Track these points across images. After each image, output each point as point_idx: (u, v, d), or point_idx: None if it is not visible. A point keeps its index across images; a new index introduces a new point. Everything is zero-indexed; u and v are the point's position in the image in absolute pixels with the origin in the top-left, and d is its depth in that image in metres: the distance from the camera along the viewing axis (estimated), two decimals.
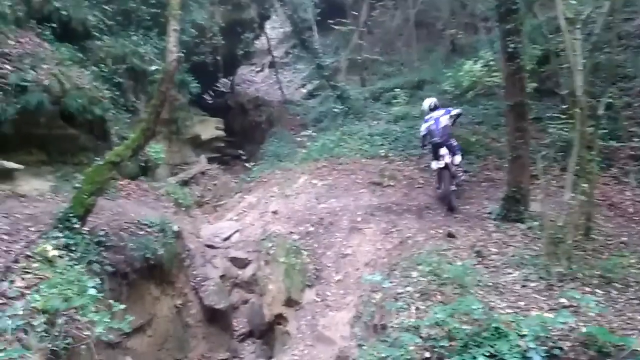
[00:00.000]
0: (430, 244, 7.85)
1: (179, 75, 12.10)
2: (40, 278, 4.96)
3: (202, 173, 14.25)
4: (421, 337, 5.08)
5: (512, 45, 7.98)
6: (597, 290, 5.76)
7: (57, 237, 5.72)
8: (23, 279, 4.90)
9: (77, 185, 6.45)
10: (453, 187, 9.57)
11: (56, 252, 5.43)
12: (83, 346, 4.59)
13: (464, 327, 4.94)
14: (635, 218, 8.29)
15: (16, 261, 5.17)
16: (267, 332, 8.73)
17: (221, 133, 16.59)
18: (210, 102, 19.69)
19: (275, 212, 10.81)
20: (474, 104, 13.20)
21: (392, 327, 5.74)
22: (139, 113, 11.17)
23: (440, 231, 8.42)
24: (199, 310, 8.64)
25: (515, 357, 4.41)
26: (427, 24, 21.02)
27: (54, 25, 9.36)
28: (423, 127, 10.36)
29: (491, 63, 11.77)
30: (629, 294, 5.71)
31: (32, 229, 6.03)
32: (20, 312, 4.29)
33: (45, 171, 8.31)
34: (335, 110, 16.49)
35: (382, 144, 13.08)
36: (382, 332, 6.05)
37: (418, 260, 7.10)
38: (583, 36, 6.88)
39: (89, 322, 4.65)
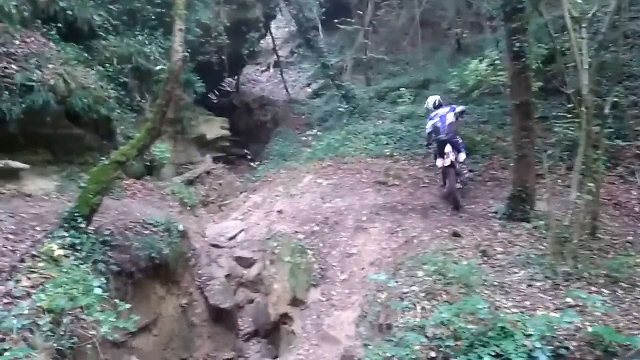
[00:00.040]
0: (436, 243, 7.83)
1: (184, 74, 12.11)
2: (46, 277, 4.97)
3: (207, 172, 14.26)
4: (427, 337, 5.07)
5: (518, 44, 7.95)
6: (603, 290, 5.73)
7: (62, 237, 5.74)
8: (29, 278, 4.92)
9: (82, 184, 6.49)
10: (458, 185, 9.56)
11: (62, 252, 5.44)
12: (88, 345, 4.59)
13: (470, 326, 4.93)
14: None
15: (22, 260, 5.18)
16: (272, 332, 8.73)
17: (226, 132, 16.62)
18: (215, 101, 19.75)
19: (280, 212, 10.81)
20: (480, 103, 13.16)
21: (397, 326, 5.72)
22: (144, 112, 11.19)
23: (446, 230, 8.40)
24: (204, 310, 8.65)
25: (521, 356, 4.40)
26: (432, 23, 20.99)
27: (60, 25, 9.38)
28: (428, 125, 10.35)
29: (497, 62, 11.72)
30: (635, 293, 5.67)
31: (38, 228, 6.05)
32: (26, 312, 4.30)
33: (50, 171, 8.34)
34: (340, 109, 16.48)
35: (387, 143, 13.08)
36: (387, 332, 6.04)
37: (423, 259, 7.08)
38: (589, 35, 6.83)
39: (95, 321, 4.66)
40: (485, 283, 6.12)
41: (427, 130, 10.36)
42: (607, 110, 7.35)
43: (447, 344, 4.87)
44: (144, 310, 6.84)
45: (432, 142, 10.24)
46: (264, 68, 25.61)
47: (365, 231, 9.17)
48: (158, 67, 11.07)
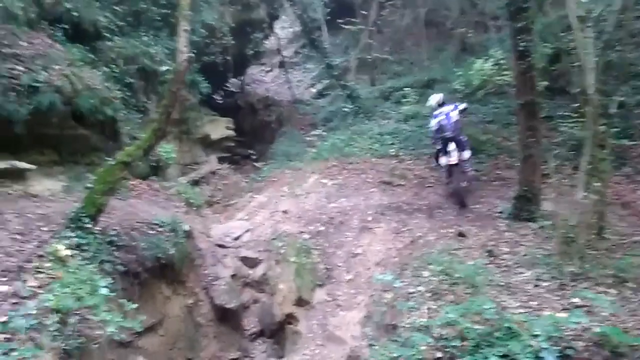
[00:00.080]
0: (442, 244, 7.83)
1: (189, 75, 12.13)
2: (53, 277, 4.98)
3: (213, 173, 14.29)
4: (433, 337, 5.06)
5: (523, 44, 7.94)
6: (611, 290, 5.70)
7: (69, 237, 5.74)
8: (36, 278, 4.93)
9: (88, 185, 6.48)
10: (464, 184, 9.56)
11: (68, 252, 5.44)
12: (95, 345, 4.61)
13: (476, 327, 4.91)
14: None
15: (29, 261, 5.20)
16: (278, 332, 8.72)
17: (231, 133, 16.61)
18: (220, 102, 19.76)
19: (285, 212, 10.81)
20: (485, 102, 13.16)
21: (403, 326, 5.72)
22: (149, 113, 11.21)
23: (451, 230, 8.40)
24: (210, 310, 8.65)
25: (527, 357, 4.38)
26: (436, 23, 20.96)
27: (66, 26, 9.40)
28: (433, 123, 10.35)
29: (502, 62, 11.73)
30: None
31: (45, 228, 6.06)
32: (33, 312, 4.31)
33: (57, 171, 8.35)
34: (345, 109, 16.49)
35: (392, 143, 13.08)
36: (393, 332, 6.03)
37: (429, 259, 7.08)
38: (594, 34, 6.83)
39: (101, 321, 4.66)
40: (492, 283, 6.11)
41: (433, 128, 10.36)
42: (613, 110, 7.35)
43: (454, 344, 4.86)
44: (150, 310, 6.84)
45: (437, 140, 10.23)
46: (268, 68, 25.63)
47: (370, 231, 9.18)
48: (163, 68, 11.11)
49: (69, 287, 4.76)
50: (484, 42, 16.71)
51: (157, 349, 7.16)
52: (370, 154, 12.80)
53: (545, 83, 10.17)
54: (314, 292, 8.48)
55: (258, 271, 9.66)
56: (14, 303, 4.46)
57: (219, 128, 16.01)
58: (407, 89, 15.59)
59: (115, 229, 6.67)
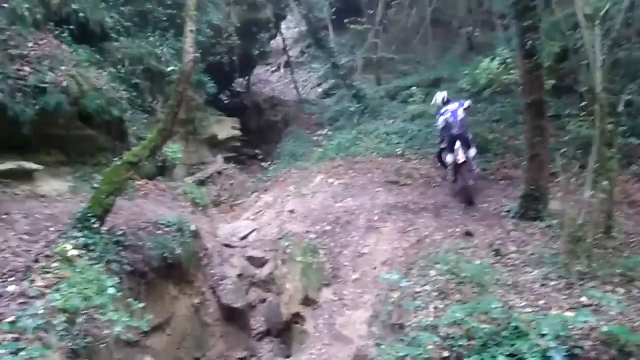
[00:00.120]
0: (448, 243, 7.81)
1: (195, 75, 12.15)
2: (60, 277, 5.00)
3: (219, 172, 14.30)
4: (439, 336, 5.05)
5: (530, 42, 7.90)
6: (618, 289, 5.66)
7: (76, 237, 5.77)
8: (43, 278, 4.95)
9: (95, 185, 6.51)
10: (471, 182, 9.55)
11: (75, 252, 5.47)
12: (102, 345, 4.63)
13: (483, 326, 4.89)
14: None
15: (36, 260, 5.22)
16: (284, 331, 8.73)
17: (237, 133, 16.63)
18: (226, 102, 19.80)
19: (291, 211, 10.81)
20: (491, 101, 13.11)
21: (410, 326, 5.71)
22: (156, 113, 11.25)
23: (458, 229, 8.37)
24: (217, 309, 8.66)
25: (535, 356, 4.36)
26: (443, 22, 20.94)
27: (72, 27, 9.43)
28: (440, 120, 10.34)
29: (508, 60, 11.66)
30: None
31: (52, 228, 6.09)
32: (41, 311, 4.32)
33: (64, 171, 8.39)
34: (351, 109, 16.47)
35: (398, 143, 13.05)
36: (399, 331, 6.02)
37: (436, 258, 7.06)
38: (602, 32, 6.79)
39: (108, 320, 4.68)
40: (499, 282, 6.09)
41: (440, 126, 10.34)
42: (620, 108, 7.29)
43: (460, 343, 4.84)
44: (157, 309, 6.86)
45: (444, 137, 10.20)
46: (274, 68, 25.66)
47: (376, 230, 9.16)
48: (169, 68, 11.12)
49: (76, 286, 4.78)
50: (490, 41, 16.64)
51: (164, 348, 7.18)
52: (377, 153, 12.77)
53: (553, 81, 10.12)
54: (321, 292, 8.48)
55: (264, 271, 9.67)
56: (21, 303, 4.48)
57: (225, 128, 16.04)
58: (413, 88, 15.52)
59: (122, 229, 6.70)
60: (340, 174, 12.04)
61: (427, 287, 6.30)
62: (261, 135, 18.55)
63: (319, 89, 22.43)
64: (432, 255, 7.35)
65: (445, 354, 4.89)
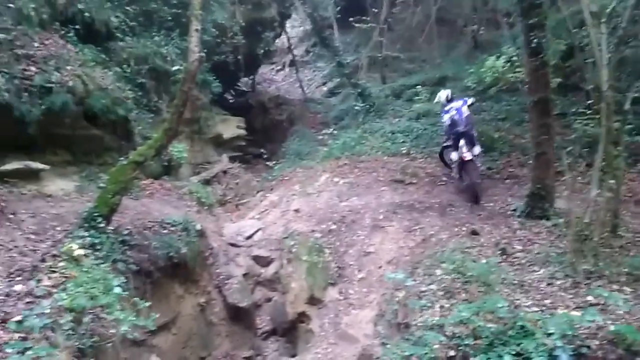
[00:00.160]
0: (454, 242, 7.79)
1: (200, 75, 12.15)
2: (67, 277, 5.02)
3: (224, 172, 14.30)
4: (446, 336, 5.04)
5: (536, 41, 7.87)
6: (625, 288, 5.64)
7: (82, 236, 5.79)
8: (50, 277, 4.98)
9: (101, 185, 6.53)
10: (478, 180, 9.53)
11: (82, 251, 5.49)
12: (109, 344, 4.64)
13: (489, 325, 4.89)
14: None
15: (43, 260, 5.25)
16: (290, 330, 8.74)
17: (242, 132, 16.65)
18: (231, 101, 19.82)
19: (297, 211, 10.81)
20: (497, 100, 13.08)
21: (415, 325, 5.70)
22: (161, 113, 11.27)
23: (464, 229, 8.35)
24: (223, 309, 8.69)
25: (541, 355, 4.35)
26: (448, 21, 20.87)
27: (78, 27, 9.46)
28: (445, 118, 10.35)
29: (514, 59, 11.63)
30: None
31: (58, 228, 6.12)
32: (48, 311, 4.35)
33: (70, 171, 8.43)
34: (356, 108, 16.43)
35: (403, 142, 13.03)
36: (405, 331, 6.01)
37: (441, 258, 7.04)
38: (608, 30, 6.75)
39: (115, 320, 4.71)
40: (505, 281, 6.07)
41: (446, 123, 10.33)
42: (627, 106, 7.24)
43: (467, 342, 4.84)
44: (163, 309, 6.88)
45: (450, 135, 10.19)
46: (279, 67, 25.64)
47: (382, 230, 9.14)
48: (175, 68, 11.14)
49: (82, 286, 4.81)
50: (496, 39, 16.57)
51: (170, 347, 7.21)
52: (382, 152, 12.75)
53: (559, 80, 10.08)
54: (326, 291, 8.48)
55: (270, 270, 9.68)
56: (28, 302, 4.51)
57: (231, 127, 16.06)
58: (418, 86, 15.46)
59: (128, 229, 6.73)
60: (345, 173, 12.02)
61: (433, 286, 6.29)
62: (266, 135, 18.55)
63: (324, 88, 22.38)
64: (438, 254, 7.33)
65: (452, 353, 4.88)
